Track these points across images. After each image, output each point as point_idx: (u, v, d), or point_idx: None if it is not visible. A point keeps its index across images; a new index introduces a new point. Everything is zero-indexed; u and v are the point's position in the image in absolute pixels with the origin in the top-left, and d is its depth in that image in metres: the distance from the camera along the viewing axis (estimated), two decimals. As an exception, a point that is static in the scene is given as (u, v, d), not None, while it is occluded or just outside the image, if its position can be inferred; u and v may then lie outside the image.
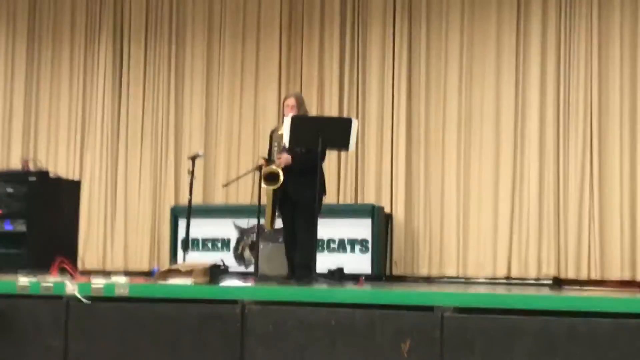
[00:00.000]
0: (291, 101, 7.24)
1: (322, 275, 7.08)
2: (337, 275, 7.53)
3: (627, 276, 8.70)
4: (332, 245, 9.05)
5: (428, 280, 9.39)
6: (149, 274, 9.21)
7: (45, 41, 11.20)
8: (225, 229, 9.45)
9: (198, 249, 9.47)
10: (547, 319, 4.66)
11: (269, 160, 7.21)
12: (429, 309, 4.90)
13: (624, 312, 4.61)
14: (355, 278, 7.94)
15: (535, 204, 9.09)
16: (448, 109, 9.59)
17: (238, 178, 8.75)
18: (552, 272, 8.94)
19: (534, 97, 9.23)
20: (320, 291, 5.62)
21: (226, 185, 9.10)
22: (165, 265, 8.78)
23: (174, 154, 10.53)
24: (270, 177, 6.99)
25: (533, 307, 4.79)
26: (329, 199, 9.32)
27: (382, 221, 9.21)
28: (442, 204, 9.49)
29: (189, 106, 10.60)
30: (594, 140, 8.97)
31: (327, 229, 8.63)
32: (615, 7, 9.03)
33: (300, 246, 7.05)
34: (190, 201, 7.86)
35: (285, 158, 7.02)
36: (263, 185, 7.05)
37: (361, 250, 8.98)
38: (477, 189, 9.38)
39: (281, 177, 6.94)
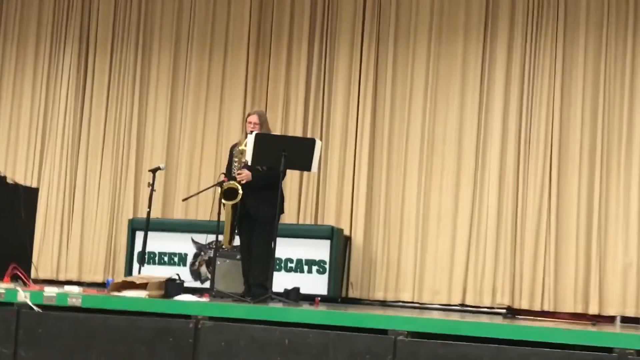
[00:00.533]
0: (254, 118, 7.25)
1: (278, 294, 7.06)
2: (293, 295, 7.51)
3: (579, 309, 8.78)
4: (289, 264, 9.03)
5: (383, 304, 9.40)
6: (103, 285, 9.12)
7: (9, 48, 11.13)
8: (183, 244, 9.40)
9: (154, 263, 9.41)
10: (500, 347, 4.69)
11: (229, 175, 7.20)
12: (383, 332, 4.91)
13: (575, 344, 4.66)
14: (311, 298, 7.93)
15: (493, 233, 9.16)
16: (411, 133, 9.64)
17: (198, 193, 8.72)
18: (507, 301, 8.99)
19: (496, 127, 9.31)
20: (275, 310, 5.61)
21: (186, 199, 9.06)
22: (120, 277, 8.70)
23: (135, 166, 10.47)
24: (229, 193, 6.98)
25: (486, 335, 4.82)
26: (289, 219, 9.34)
27: (340, 243, 9.22)
28: (401, 228, 9.52)
29: (152, 118, 10.55)
30: (553, 173, 9.07)
31: (285, 248, 8.64)
32: (580, 42, 9.15)
33: (256, 264, 7.03)
34: (149, 214, 7.81)
35: (246, 174, 7.02)
36: (222, 200, 7.02)
37: (318, 271, 8.98)
38: (437, 215, 9.43)
39: (240, 193, 6.93)
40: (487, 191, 9.27)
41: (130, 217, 10.00)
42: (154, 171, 7.88)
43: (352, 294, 9.49)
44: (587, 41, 9.15)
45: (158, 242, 9.26)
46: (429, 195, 9.48)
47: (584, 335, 4.89)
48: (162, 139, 10.44)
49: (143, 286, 6.03)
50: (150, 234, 7.87)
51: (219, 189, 7.28)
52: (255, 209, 7.01)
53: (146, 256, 8.87)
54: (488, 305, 9.06)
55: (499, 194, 9.21)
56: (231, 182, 7.01)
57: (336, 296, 9.07)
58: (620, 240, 8.78)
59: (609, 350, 4.56)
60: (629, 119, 8.92)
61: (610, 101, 9.01)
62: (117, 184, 10.53)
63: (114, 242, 10.40)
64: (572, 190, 9.01)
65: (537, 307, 8.89)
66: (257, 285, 6.97)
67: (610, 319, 8.68)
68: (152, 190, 7.77)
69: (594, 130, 9.03)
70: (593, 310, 8.71)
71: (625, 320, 8.62)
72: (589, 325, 7.60)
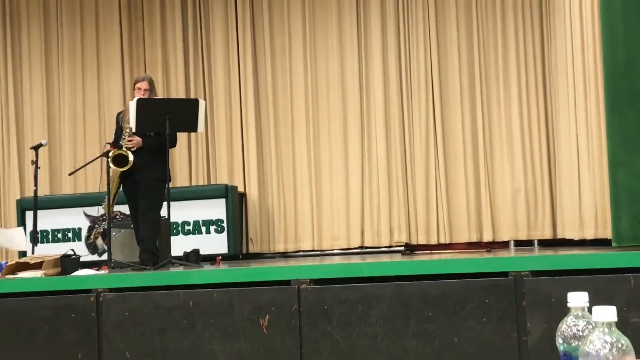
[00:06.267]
0: (144, 84, 7.07)
1: (178, 258, 7.02)
2: (193, 257, 7.48)
3: (474, 238, 9.03)
4: (187, 227, 8.98)
5: (284, 255, 9.46)
6: (-3, 270, 8.87)
7: None
8: (76, 218, 9.22)
9: (49, 241, 9.21)
10: (400, 284, 4.79)
11: (116, 144, 7.06)
12: (286, 283, 4.95)
13: (473, 272, 4.79)
14: (212, 259, 7.92)
15: (384, 174, 9.28)
16: (294, 84, 9.64)
17: (84, 165, 8.53)
18: (404, 239, 9.17)
19: (377, 67, 9.38)
20: (176, 274, 5.57)
21: (72, 173, 8.81)
22: (15, 260, 8.49)
23: (17, 145, 10.16)
24: (119, 159, 6.85)
25: (386, 273, 4.91)
26: (181, 182, 9.27)
27: (236, 200, 9.21)
28: (294, 179, 9.57)
29: (29, 94, 10.22)
30: (437, 109, 9.21)
31: (181, 211, 8.57)
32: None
33: (145, 230, 6.89)
34: (36, 192, 7.63)
35: (137, 141, 6.88)
36: (112, 167, 6.87)
37: (217, 231, 8.95)
38: (328, 162, 9.49)
39: (130, 160, 6.80)
40: (375, 133, 9.37)
41: (18, 197, 9.73)
42: (36, 148, 7.67)
43: (253, 249, 9.52)
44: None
45: (50, 219, 9.06)
46: (318, 143, 9.53)
47: (480, 262, 5.03)
48: (41, 113, 10.15)
49: (38, 265, 5.90)
50: (40, 212, 7.72)
51: (105, 159, 7.15)
52: (141, 173, 6.89)
53: (39, 235, 8.67)
54: (387, 245, 9.23)
55: (386, 135, 9.32)
56: (121, 149, 6.87)
57: (237, 253, 9.08)
58: (507, 168, 9.02)
59: (505, 274, 4.70)
60: (503, 49, 9.12)
61: (484, 33, 9.18)
62: (0, 165, 10.22)
63: (3, 225, 10.11)
64: (456, 124, 9.19)
65: (433, 242, 9.10)
66: (145, 251, 6.86)
67: (505, 244, 8.96)
68: (37, 167, 7.59)
69: (471, 64, 9.19)
70: (487, 237, 8.97)
71: (519, 243, 8.91)
72: (484, 252, 7.84)
